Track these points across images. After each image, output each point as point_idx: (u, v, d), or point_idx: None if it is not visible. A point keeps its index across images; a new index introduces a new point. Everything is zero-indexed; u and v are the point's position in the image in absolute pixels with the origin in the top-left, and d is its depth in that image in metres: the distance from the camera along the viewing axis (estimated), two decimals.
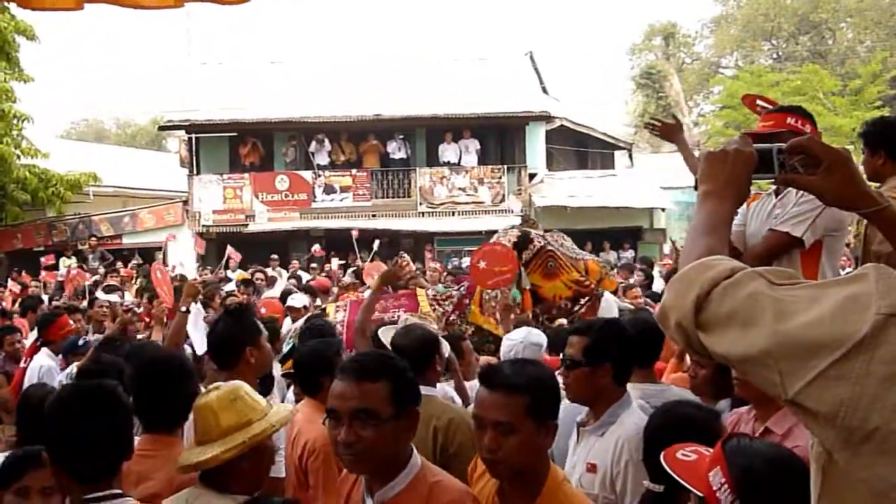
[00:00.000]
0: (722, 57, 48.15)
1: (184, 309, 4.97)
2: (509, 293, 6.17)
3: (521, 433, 2.27)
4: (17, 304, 11.44)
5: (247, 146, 23.28)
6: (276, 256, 17.98)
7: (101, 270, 16.74)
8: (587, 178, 25.01)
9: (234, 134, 23.33)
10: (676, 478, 1.90)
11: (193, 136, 23.27)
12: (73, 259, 19.10)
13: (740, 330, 1.31)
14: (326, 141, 23.05)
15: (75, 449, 2.47)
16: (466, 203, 22.96)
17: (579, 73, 63.44)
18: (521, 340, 4.21)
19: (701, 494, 1.79)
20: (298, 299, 8.00)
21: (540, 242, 6.28)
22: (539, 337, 4.55)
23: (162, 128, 25.83)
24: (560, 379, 3.41)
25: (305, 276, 15.21)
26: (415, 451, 2.40)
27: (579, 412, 3.28)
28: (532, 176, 23.81)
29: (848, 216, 3.54)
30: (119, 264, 17.94)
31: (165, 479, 2.94)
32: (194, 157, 23.32)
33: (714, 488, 1.75)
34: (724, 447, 1.82)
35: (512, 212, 21.82)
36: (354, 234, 17.06)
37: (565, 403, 3.55)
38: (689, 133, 38.09)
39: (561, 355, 3.39)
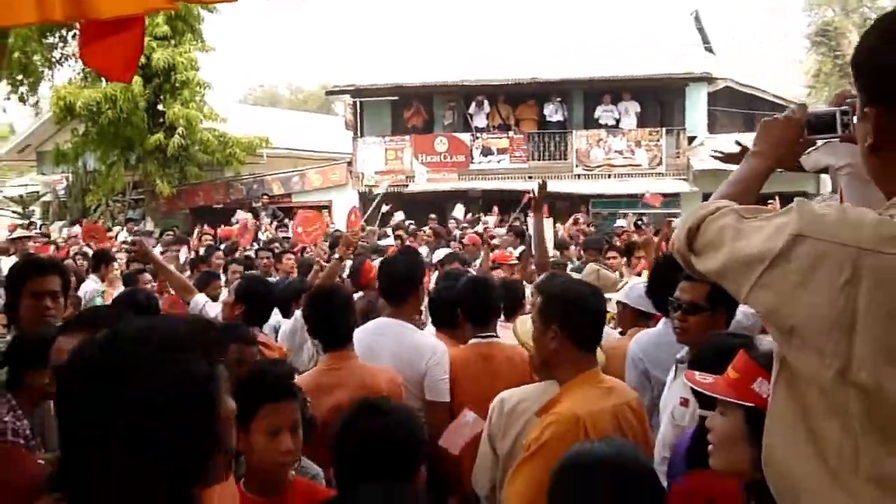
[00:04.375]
0: None
1: (337, 257, 5.59)
2: None
3: (536, 326, 2.90)
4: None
5: (410, 109, 24.12)
6: (434, 216, 18.68)
7: (273, 226, 17.96)
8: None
9: (396, 98, 24.19)
10: (722, 397, 2.05)
11: (358, 100, 24.30)
12: (249, 215, 20.53)
13: (713, 252, 1.69)
14: (485, 103, 23.50)
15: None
16: (623, 166, 22.83)
17: (751, 31, 60.56)
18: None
19: (750, 404, 1.96)
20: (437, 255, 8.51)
21: None
22: None
23: (329, 92, 27.13)
24: (671, 323, 3.65)
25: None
26: None
27: (679, 350, 3.49)
28: (692, 139, 23.35)
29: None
30: (287, 221, 19.17)
31: (353, 385, 3.57)
32: (358, 121, 24.37)
33: (765, 396, 1.88)
34: (753, 358, 2.01)
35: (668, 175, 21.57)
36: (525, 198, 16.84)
37: (663, 339, 3.75)
38: None
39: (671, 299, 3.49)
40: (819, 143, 2.27)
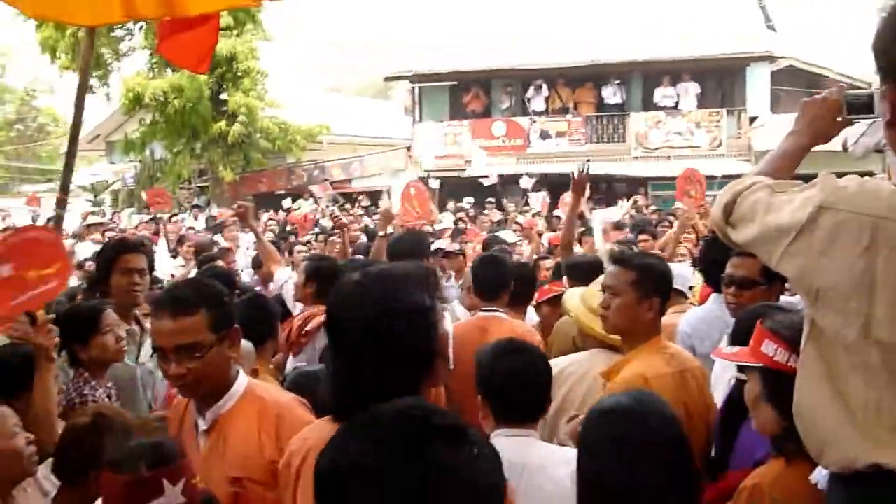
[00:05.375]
0: None
1: (381, 234, 5.79)
2: None
3: (623, 298, 3.03)
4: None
5: (469, 94, 24.25)
6: (492, 200, 18.84)
7: (334, 211, 18.32)
8: None
9: (455, 83, 24.34)
10: (738, 362, 2.31)
11: (417, 85, 24.51)
12: (311, 201, 20.91)
13: (748, 224, 1.86)
14: (544, 87, 23.51)
15: None
16: (682, 147, 22.61)
17: (817, 7, 58.97)
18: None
19: (760, 364, 2.16)
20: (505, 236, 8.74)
21: None
22: None
23: (388, 78, 27.39)
24: (720, 299, 3.72)
25: (521, 219, 15.83)
26: (240, 369, 2.50)
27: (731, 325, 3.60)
28: (753, 119, 23.00)
29: None
30: (348, 206, 19.54)
31: None
32: (417, 106, 24.60)
33: (771, 356, 2.13)
34: (763, 325, 2.20)
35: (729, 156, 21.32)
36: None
37: (712, 315, 3.87)
38: None
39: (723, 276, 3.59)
40: (861, 127, 2.39)
